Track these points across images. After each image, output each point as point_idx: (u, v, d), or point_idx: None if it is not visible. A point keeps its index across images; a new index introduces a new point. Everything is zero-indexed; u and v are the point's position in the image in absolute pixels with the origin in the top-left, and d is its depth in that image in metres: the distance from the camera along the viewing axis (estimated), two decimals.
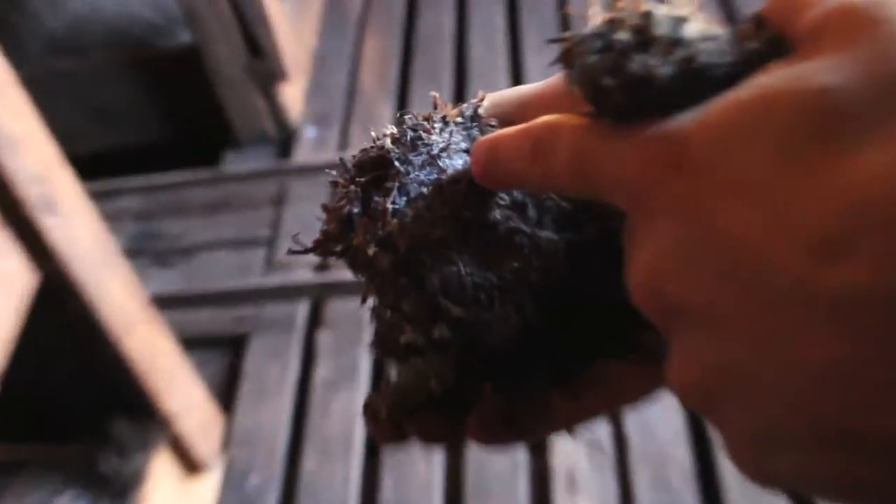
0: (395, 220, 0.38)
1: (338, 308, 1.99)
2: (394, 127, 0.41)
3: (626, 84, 0.31)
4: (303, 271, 2.06)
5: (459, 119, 0.41)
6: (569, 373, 0.38)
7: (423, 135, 0.40)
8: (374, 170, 0.40)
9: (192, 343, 1.91)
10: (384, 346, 0.40)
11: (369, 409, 0.40)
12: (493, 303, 0.38)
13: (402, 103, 2.56)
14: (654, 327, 0.31)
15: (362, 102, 2.56)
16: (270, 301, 2.04)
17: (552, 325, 0.38)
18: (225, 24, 2.23)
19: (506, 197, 0.38)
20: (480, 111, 0.41)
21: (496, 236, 0.38)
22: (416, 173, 0.39)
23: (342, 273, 2.03)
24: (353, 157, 0.41)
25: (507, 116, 0.40)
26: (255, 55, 2.32)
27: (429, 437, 0.39)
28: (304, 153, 2.40)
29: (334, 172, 0.41)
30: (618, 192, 0.31)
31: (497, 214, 0.38)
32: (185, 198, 2.33)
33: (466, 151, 0.40)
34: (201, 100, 2.46)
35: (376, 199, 0.39)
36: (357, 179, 0.40)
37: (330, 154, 2.40)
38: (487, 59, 2.64)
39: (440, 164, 0.39)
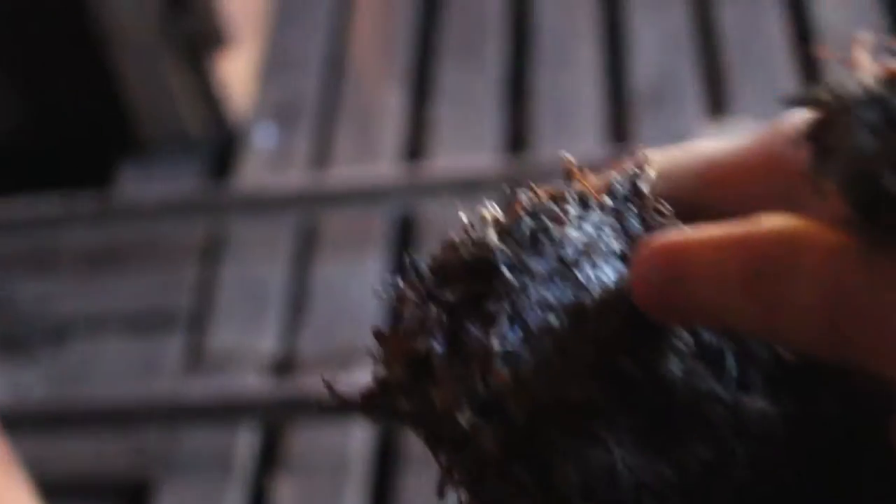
0: (505, 370, 0.38)
1: (308, 440, 1.92)
2: (497, 208, 0.41)
3: None
4: (251, 375, 2.07)
5: (608, 199, 0.41)
6: None
7: (551, 225, 0.40)
8: (469, 281, 0.40)
9: (63, 491, 1.81)
10: None
11: None
12: None
13: (420, 88, 2.59)
14: None
15: (353, 87, 2.58)
16: (193, 424, 1.96)
17: None
18: None
19: (689, 338, 0.39)
20: (643, 186, 0.41)
21: (674, 404, 0.38)
22: (539, 290, 0.39)
23: (319, 379, 1.96)
24: (433, 258, 0.41)
25: (688, 196, 0.41)
26: (177, 7, 2.29)
27: None
28: (254, 172, 2.45)
29: (399, 281, 0.41)
30: None
31: (675, 367, 0.38)
32: (54, 243, 2.27)
33: (622, 257, 0.40)
34: (84, 78, 2.41)
35: (472, 330, 0.39)
36: (439, 296, 0.40)
37: (297, 173, 2.41)
38: (564, 15, 2.64)
39: (578, 276, 0.39)
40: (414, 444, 2.01)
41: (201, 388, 2.06)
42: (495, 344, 0.38)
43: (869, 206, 0.33)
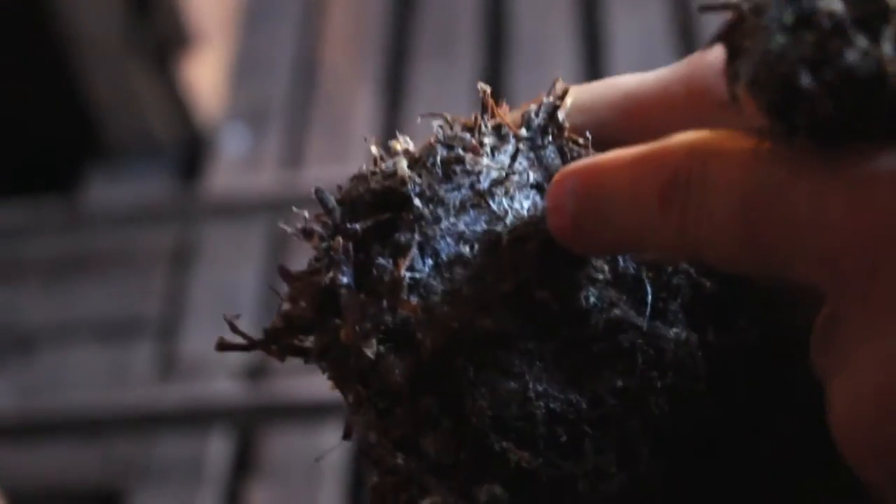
0: (414, 300, 0.38)
1: (281, 445, 1.99)
2: (409, 141, 0.42)
3: (841, 86, 0.31)
4: (223, 381, 2.07)
5: (525, 131, 0.41)
6: None
7: (465, 156, 0.40)
8: (379, 212, 0.40)
9: (35, 501, 1.88)
10: None
11: None
12: (582, 445, 0.38)
13: (396, 89, 2.62)
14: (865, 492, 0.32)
15: (325, 87, 2.63)
16: (165, 431, 2.04)
17: (680, 486, 0.38)
18: None
19: (605, 267, 0.39)
20: (560, 117, 0.42)
21: (589, 333, 0.38)
22: (452, 220, 0.40)
23: (293, 384, 2.05)
24: (340, 188, 0.41)
25: (605, 128, 0.41)
26: (143, 9, 2.35)
27: None
28: (224, 176, 2.48)
29: (305, 213, 0.41)
30: (819, 268, 0.31)
31: (591, 296, 0.39)
32: (20, 251, 2.35)
33: (538, 188, 0.40)
34: (49, 82, 2.49)
35: (381, 261, 0.39)
36: (348, 227, 0.40)
37: (269, 176, 2.46)
38: (540, 14, 2.69)
39: (492, 206, 0.40)
40: None
41: (173, 395, 2.09)
42: (404, 274, 0.38)
43: (783, 109, 0.33)
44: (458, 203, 0.40)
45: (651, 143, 0.36)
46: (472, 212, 0.40)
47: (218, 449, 2.03)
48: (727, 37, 0.35)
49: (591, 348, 0.38)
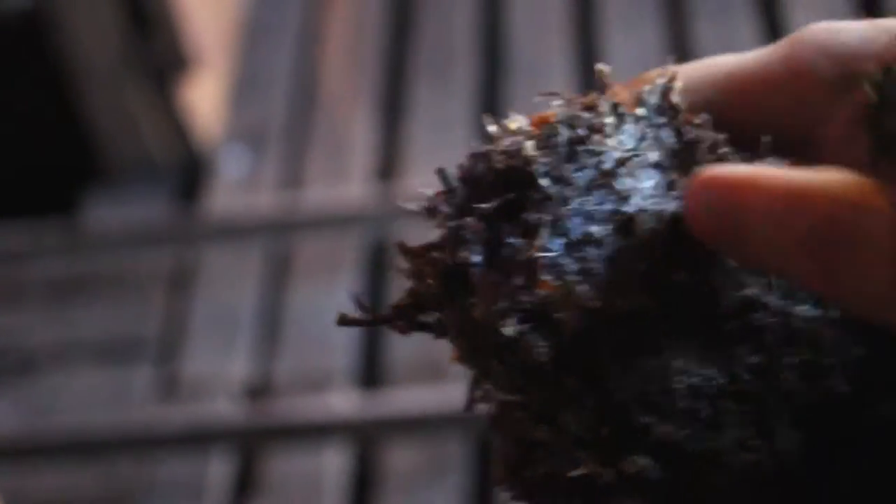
0: (552, 280, 0.39)
1: (282, 466, 2.04)
2: (525, 119, 0.42)
3: None
4: (223, 402, 2.13)
5: (641, 110, 0.42)
6: None
7: (590, 135, 0.41)
8: (504, 191, 0.40)
9: None
10: (526, 487, 0.40)
11: None
12: (723, 419, 0.39)
13: (392, 110, 2.68)
14: None
15: (323, 108, 2.69)
16: (166, 452, 2.08)
17: (820, 466, 0.39)
18: None
19: None
20: (674, 97, 0.42)
21: (721, 312, 0.40)
22: (579, 202, 0.40)
23: (293, 405, 2.12)
24: (461, 167, 0.41)
25: (711, 107, 0.42)
26: (141, 32, 2.41)
27: None
28: (223, 198, 2.53)
29: (428, 192, 0.42)
30: None
31: (723, 277, 0.40)
32: (20, 274, 2.39)
33: (659, 167, 0.42)
34: (46, 103, 2.54)
35: (511, 241, 0.40)
36: (474, 206, 0.41)
37: (268, 198, 2.51)
38: (536, 33, 2.76)
39: (618, 187, 0.40)
40: (389, 468, 2.15)
41: (173, 416, 2.12)
42: (539, 253, 0.39)
43: None
44: (584, 184, 0.41)
45: (798, 172, 0.37)
46: (598, 192, 0.40)
47: (219, 470, 2.06)
48: (880, 84, 0.35)
49: (724, 326, 0.40)
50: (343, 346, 2.26)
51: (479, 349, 0.40)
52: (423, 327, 0.42)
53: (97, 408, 2.20)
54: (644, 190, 0.40)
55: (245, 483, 2.07)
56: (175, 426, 2.11)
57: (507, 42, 2.79)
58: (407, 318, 0.41)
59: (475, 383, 0.41)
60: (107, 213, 2.54)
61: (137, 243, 2.47)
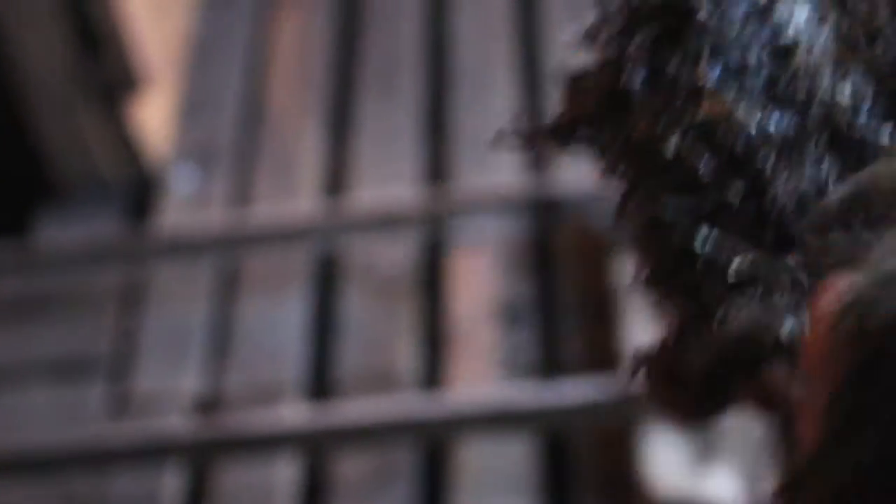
0: (714, 102, 0.42)
1: (234, 478, 2.08)
2: None
3: None
4: (175, 416, 2.17)
5: None
6: None
7: None
8: (662, 20, 0.44)
9: None
10: (676, 278, 0.44)
11: (657, 364, 0.47)
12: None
13: (339, 125, 2.73)
14: None
15: (272, 126, 2.74)
16: (120, 467, 2.12)
17: None
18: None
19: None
20: None
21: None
22: (737, 30, 0.43)
23: (245, 418, 2.14)
24: None
25: None
26: (90, 51, 2.45)
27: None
28: (173, 215, 2.57)
29: (588, 21, 0.45)
30: None
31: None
32: None
33: (809, 1, 0.44)
34: None
35: (675, 64, 0.43)
36: (635, 33, 0.44)
37: (217, 214, 2.56)
38: (481, 47, 2.81)
39: (774, 17, 0.44)
40: (339, 477, 2.18)
41: (126, 432, 2.14)
42: (704, 77, 0.42)
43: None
44: (741, 15, 0.43)
45: None
46: (754, 23, 0.43)
47: (172, 484, 2.09)
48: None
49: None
50: (293, 358, 2.29)
51: (636, 166, 0.43)
52: (582, 141, 0.45)
53: (51, 425, 2.23)
54: (798, 22, 0.43)
55: (198, 496, 2.10)
56: (128, 441, 2.13)
57: (452, 53, 2.85)
58: (565, 134, 0.45)
59: (626, 197, 0.44)
60: (58, 232, 2.58)
61: (89, 261, 2.50)
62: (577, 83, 0.44)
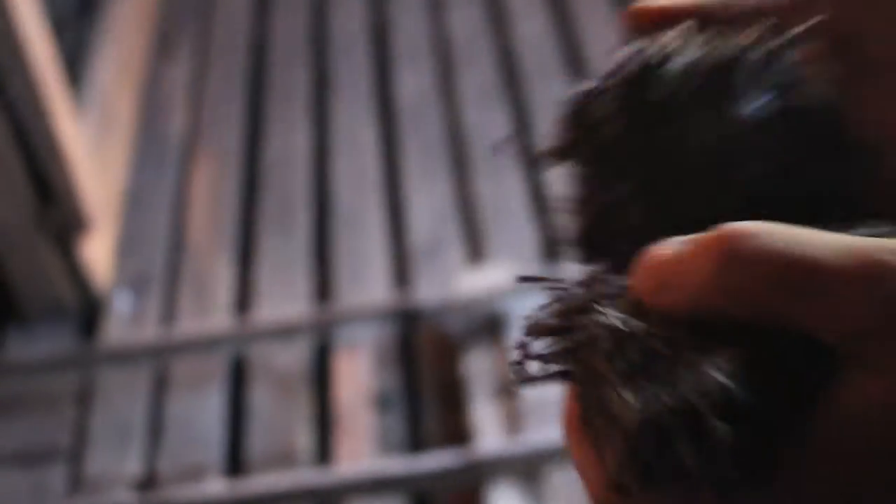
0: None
1: None
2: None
3: None
4: (120, 493, 2.33)
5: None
6: None
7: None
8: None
9: None
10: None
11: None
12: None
13: (245, 255, 2.86)
14: None
15: (191, 257, 2.86)
16: None
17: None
18: (1, 156, 2.52)
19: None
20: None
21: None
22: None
23: (173, 491, 2.32)
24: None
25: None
26: (46, 201, 2.61)
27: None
28: (115, 330, 2.70)
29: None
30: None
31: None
32: None
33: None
34: None
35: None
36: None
37: (150, 329, 2.67)
38: (356, 192, 2.99)
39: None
40: None
41: None
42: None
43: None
44: None
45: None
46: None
47: None
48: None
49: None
50: (214, 443, 2.42)
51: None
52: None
53: (22, 502, 2.39)
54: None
55: None
56: None
57: (334, 198, 3.03)
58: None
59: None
60: (24, 346, 2.72)
61: (49, 369, 2.64)
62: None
